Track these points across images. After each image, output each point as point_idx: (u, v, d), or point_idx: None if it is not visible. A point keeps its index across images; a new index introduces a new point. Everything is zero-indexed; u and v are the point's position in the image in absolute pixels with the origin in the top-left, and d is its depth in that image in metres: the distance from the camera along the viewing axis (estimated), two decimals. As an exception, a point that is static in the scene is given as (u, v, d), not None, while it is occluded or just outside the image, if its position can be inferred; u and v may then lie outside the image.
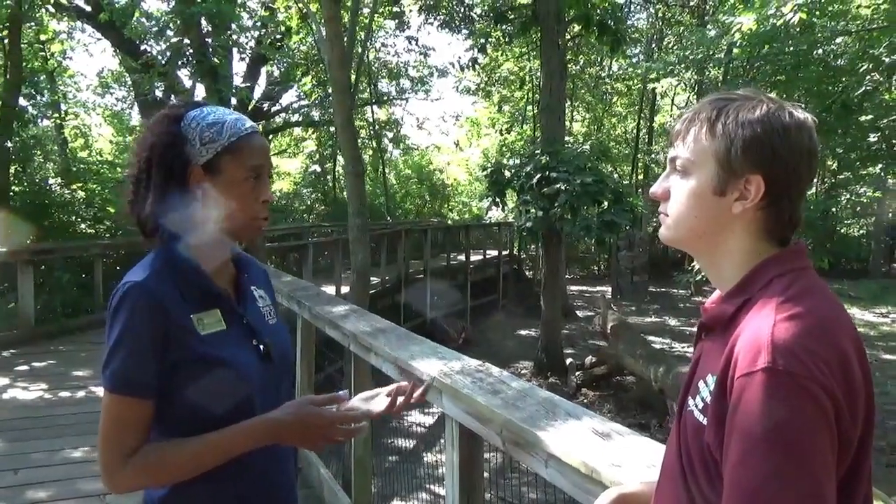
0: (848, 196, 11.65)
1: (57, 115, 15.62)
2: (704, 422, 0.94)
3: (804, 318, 0.89)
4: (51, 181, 11.54)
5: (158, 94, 15.35)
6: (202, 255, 1.43)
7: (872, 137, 9.63)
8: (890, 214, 23.46)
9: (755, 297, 0.96)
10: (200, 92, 13.91)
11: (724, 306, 1.01)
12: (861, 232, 26.65)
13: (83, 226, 11.29)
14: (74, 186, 11.40)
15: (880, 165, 10.53)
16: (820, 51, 10.01)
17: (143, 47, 14.03)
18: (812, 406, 0.83)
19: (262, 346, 1.45)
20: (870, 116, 9.50)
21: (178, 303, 1.35)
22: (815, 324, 0.89)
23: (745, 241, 1.02)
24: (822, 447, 0.83)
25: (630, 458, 1.62)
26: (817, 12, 8.36)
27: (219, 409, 1.35)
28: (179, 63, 12.79)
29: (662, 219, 1.09)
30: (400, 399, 1.53)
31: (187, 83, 14.24)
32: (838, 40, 10.59)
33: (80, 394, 6.09)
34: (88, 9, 14.02)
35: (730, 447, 0.87)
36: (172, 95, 13.88)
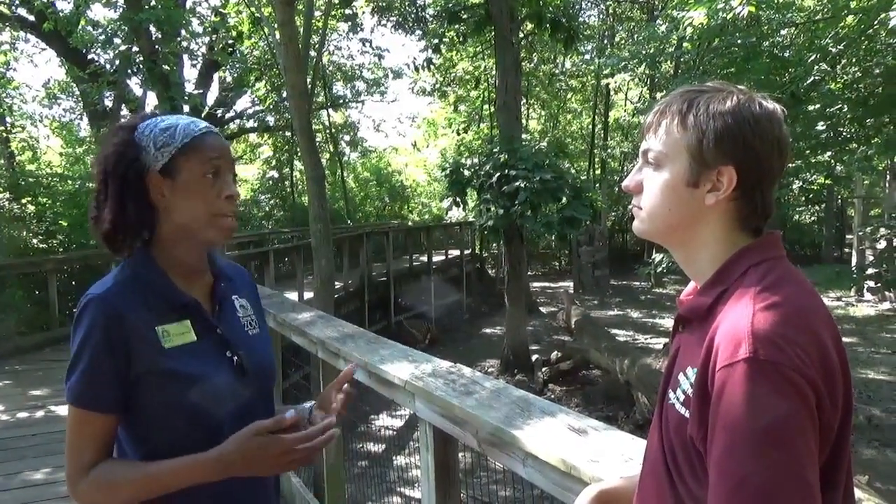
0: (799, 184, 11.90)
1: (2, 127, 15.19)
2: (686, 414, 0.94)
3: (782, 307, 0.90)
4: (-1, 196, 11.21)
5: (108, 103, 15.07)
6: (172, 263, 1.41)
7: (821, 126, 9.85)
8: (839, 201, 24.11)
9: (732, 288, 0.97)
10: (151, 100, 13.71)
11: (700, 298, 1.01)
12: (812, 218, 27.35)
13: (35, 241, 10.98)
14: (24, 201, 11.08)
15: (829, 153, 10.79)
16: (767, 43, 10.22)
17: (90, 56, 13.74)
18: (795, 395, 0.84)
19: (235, 358, 1.41)
20: (817, 106, 9.72)
21: (143, 314, 1.32)
22: (793, 312, 0.90)
23: (719, 232, 1.02)
24: (806, 435, 0.84)
25: (607, 452, 1.63)
26: (763, 5, 8.52)
27: (184, 424, 1.33)
28: (129, 71, 12.56)
29: (636, 212, 1.09)
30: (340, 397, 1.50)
31: (138, 91, 14.01)
32: (783, 32, 10.84)
33: (39, 414, 5.91)
34: (32, 18, 13.67)
35: (714, 439, 0.87)
36: (123, 104, 13.64)
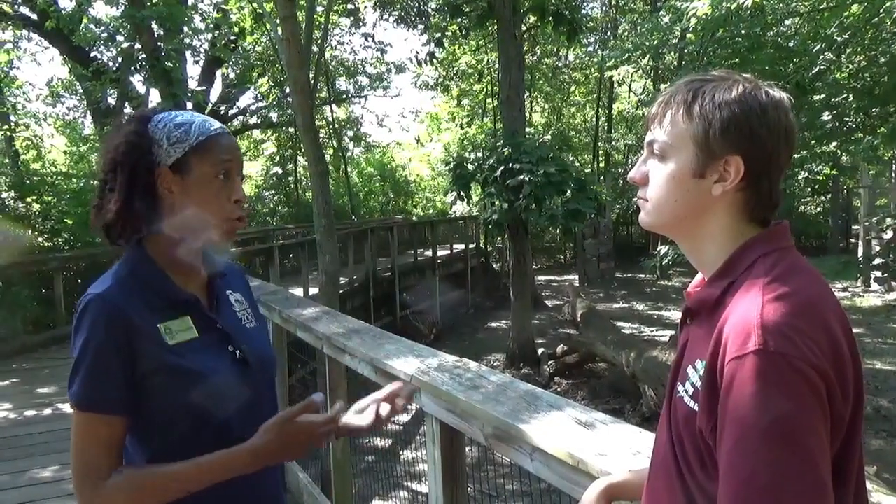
0: (805, 174, 11.85)
1: (6, 126, 15.21)
2: (695, 408, 0.93)
3: (792, 298, 0.89)
4: (3, 195, 11.19)
5: (111, 101, 15.08)
6: (170, 260, 1.39)
7: (826, 116, 9.80)
8: (845, 191, 24.01)
9: (740, 279, 0.96)
10: (154, 97, 13.70)
11: (709, 290, 1.00)
12: (818, 209, 27.23)
13: (40, 239, 11.00)
14: (29, 199, 11.10)
15: (834, 143, 10.73)
16: (771, 33, 10.17)
17: (93, 54, 13.74)
18: (805, 387, 0.83)
19: (237, 352, 1.41)
20: (822, 95, 9.67)
21: (144, 312, 1.30)
22: (803, 303, 0.89)
23: (726, 222, 1.01)
24: (817, 427, 0.83)
25: (615, 446, 1.62)
26: (768, -6, 8.50)
27: (191, 421, 1.31)
28: (132, 68, 12.56)
29: (642, 204, 1.08)
30: (385, 408, 1.47)
31: (141, 89, 14.00)
32: (787, 21, 10.78)
33: (47, 411, 5.93)
34: (34, 17, 13.68)
35: (724, 432, 0.86)
36: (126, 102, 13.64)
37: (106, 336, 1.25)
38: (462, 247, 20.65)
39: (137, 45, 11.40)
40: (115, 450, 1.27)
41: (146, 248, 1.39)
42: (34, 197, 11.25)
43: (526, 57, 16.90)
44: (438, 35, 15.12)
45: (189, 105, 12.10)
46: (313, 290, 10.46)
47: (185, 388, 1.30)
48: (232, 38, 14.68)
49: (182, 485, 1.28)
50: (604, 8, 24.32)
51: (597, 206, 12.54)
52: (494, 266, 23.46)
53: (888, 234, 15.85)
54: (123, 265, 1.36)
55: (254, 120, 21.82)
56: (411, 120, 31.92)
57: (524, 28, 14.15)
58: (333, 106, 22.58)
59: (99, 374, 1.25)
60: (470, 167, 12.40)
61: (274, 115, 20.06)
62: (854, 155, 11.22)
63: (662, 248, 11.60)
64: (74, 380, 1.26)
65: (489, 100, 23.14)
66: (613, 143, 24.76)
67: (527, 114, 18.49)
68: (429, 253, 18.21)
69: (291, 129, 20.26)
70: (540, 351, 12.64)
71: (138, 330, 1.28)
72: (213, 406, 1.32)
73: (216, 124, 1.40)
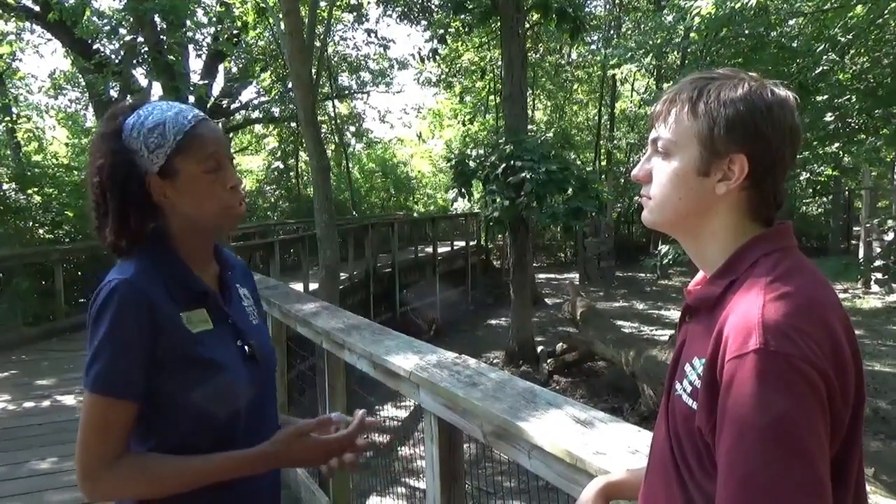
0: (807, 175, 11.83)
1: (8, 118, 15.21)
2: (694, 406, 0.93)
3: (793, 298, 0.88)
4: (5, 186, 11.18)
5: (113, 93, 15.07)
6: (185, 253, 1.39)
7: (829, 117, 9.77)
8: (846, 192, 23.97)
9: (742, 278, 0.95)
10: (157, 90, 13.69)
11: (710, 288, 1.00)
12: (819, 210, 27.21)
13: (41, 231, 11.00)
14: (30, 191, 11.09)
15: (837, 144, 10.70)
16: (775, 33, 10.14)
17: (95, 47, 13.74)
18: (805, 387, 0.82)
19: (246, 347, 1.41)
20: (825, 96, 9.64)
21: (167, 301, 1.30)
22: (805, 303, 0.88)
23: (729, 221, 1.00)
24: (816, 428, 0.82)
25: (613, 444, 1.62)
26: (772, -6, 8.47)
27: (200, 413, 1.30)
28: (134, 62, 12.55)
29: (645, 202, 1.07)
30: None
31: (143, 82, 13.99)
32: (791, 22, 10.75)
33: (46, 403, 5.92)
34: (37, 9, 13.66)
35: (723, 432, 0.85)
36: (128, 95, 13.63)
37: (131, 321, 1.24)
38: (463, 244, 20.65)
39: (140, 39, 11.40)
40: (125, 436, 1.26)
41: (164, 237, 1.38)
42: (35, 189, 11.25)
43: (529, 54, 16.86)
44: (441, 31, 15.10)
45: (191, 99, 12.10)
46: (313, 286, 10.46)
47: (202, 380, 1.29)
48: (235, 32, 14.67)
49: (192, 479, 1.28)
50: (607, 6, 24.28)
51: (598, 204, 12.52)
52: (495, 263, 23.45)
53: (889, 236, 15.82)
54: (144, 254, 1.35)
55: (256, 114, 21.75)
56: (413, 116, 31.90)
57: (527, 25, 14.12)
58: (335, 101, 22.55)
59: (122, 359, 1.24)
60: (471, 164, 12.38)
61: (276, 110, 20.03)
62: (856, 156, 11.19)
63: (663, 248, 11.59)
64: (94, 363, 1.24)
65: (491, 97, 23.10)
66: (615, 141, 24.73)
67: (529, 111, 18.46)
68: (429, 249, 18.21)
69: (293, 124, 20.24)
70: (539, 349, 12.64)
71: (163, 317, 1.28)
72: (223, 400, 1.32)
73: (189, 114, 1.35)
